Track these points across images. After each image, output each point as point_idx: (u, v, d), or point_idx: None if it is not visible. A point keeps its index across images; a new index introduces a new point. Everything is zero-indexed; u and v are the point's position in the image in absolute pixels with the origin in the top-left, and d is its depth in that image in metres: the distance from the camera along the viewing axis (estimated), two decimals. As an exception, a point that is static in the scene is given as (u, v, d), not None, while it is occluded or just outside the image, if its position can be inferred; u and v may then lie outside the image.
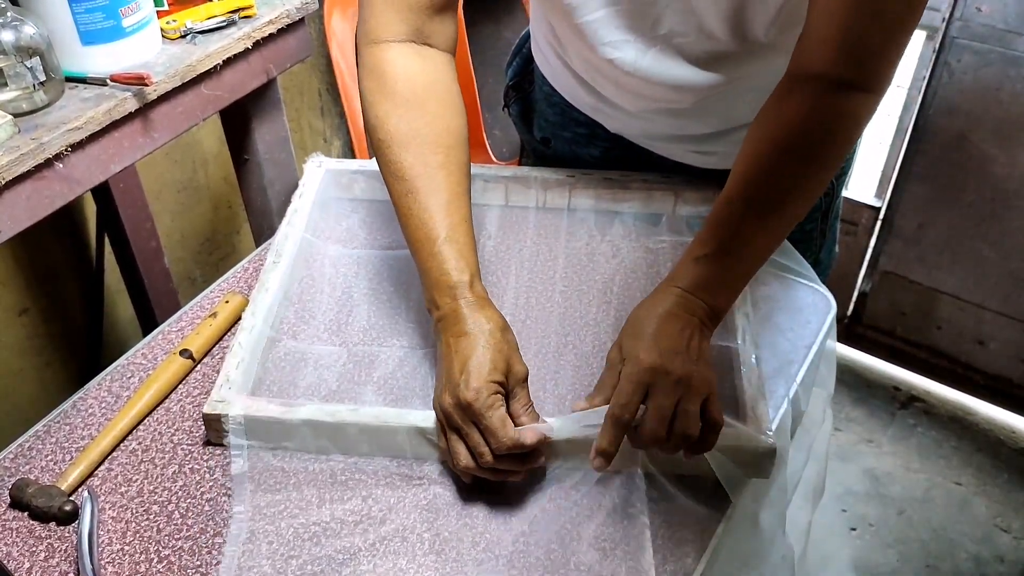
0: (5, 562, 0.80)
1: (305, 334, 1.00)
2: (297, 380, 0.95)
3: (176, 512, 0.84)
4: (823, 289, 1.06)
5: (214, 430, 0.88)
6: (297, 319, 1.02)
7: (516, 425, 0.81)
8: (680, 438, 0.79)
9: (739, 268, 0.87)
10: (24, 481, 0.85)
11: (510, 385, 0.83)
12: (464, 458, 0.81)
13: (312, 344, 0.99)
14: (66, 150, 1.09)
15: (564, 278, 1.07)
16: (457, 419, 0.80)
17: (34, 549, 0.81)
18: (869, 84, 0.84)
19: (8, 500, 0.85)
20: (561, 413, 0.88)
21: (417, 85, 0.92)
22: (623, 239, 1.11)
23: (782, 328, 1.02)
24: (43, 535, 0.83)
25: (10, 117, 1.05)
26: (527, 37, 1.20)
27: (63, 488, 0.85)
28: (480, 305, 0.85)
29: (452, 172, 0.90)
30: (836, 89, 0.82)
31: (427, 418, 0.86)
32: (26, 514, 0.84)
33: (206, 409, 0.87)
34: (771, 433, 0.83)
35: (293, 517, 0.83)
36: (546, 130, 1.21)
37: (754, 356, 0.91)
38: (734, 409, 0.88)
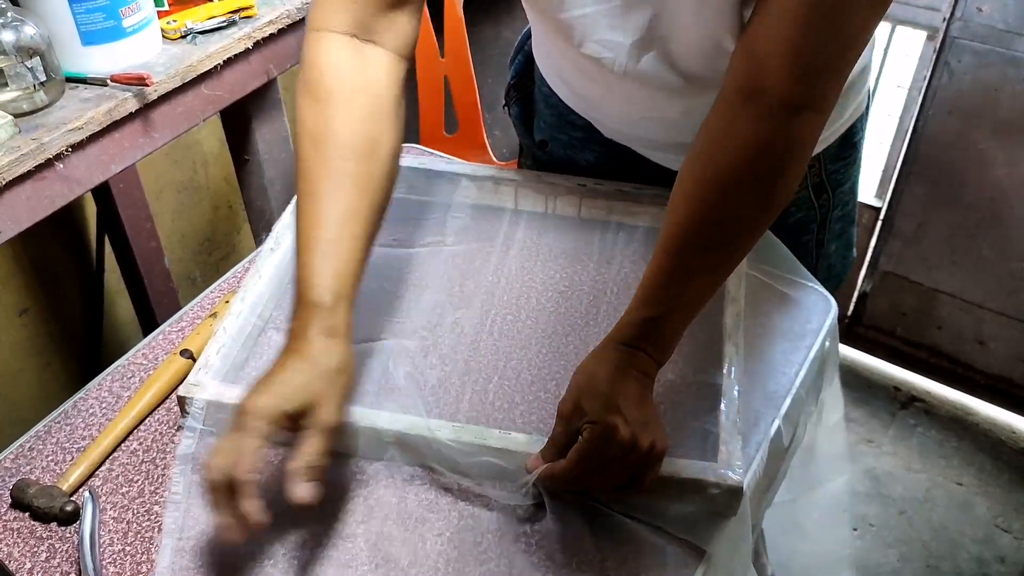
0: (7, 563, 0.80)
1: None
2: None
3: (194, 506, 0.83)
4: (822, 290, 1.06)
5: (186, 412, 0.88)
6: (286, 309, 1.02)
7: (291, 470, 0.72)
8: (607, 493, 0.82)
9: (687, 318, 0.84)
10: (25, 482, 0.85)
11: (307, 425, 0.74)
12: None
13: None
14: (66, 150, 1.09)
15: (561, 287, 1.06)
16: (234, 420, 0.73)
17: (35, 550, 0.81)
18: (820, 104, 0.79)
19: (9, 501, 0.85)
20: (543, 422, 0.89)
21: (346, 84, 0.84)
22: (628, 253, 1.10)
23: (782, 331, 1.01)
24: (44, 535, 0.82)
25: (11, 117, 1.05)
26: (529, 34, 1.18)
27: (64, 489, 0.85)
28: (330, 334, 0.77)
29: (359, 183, 0.82)
30: (788, 110, 0.78)
31: (392, 420, 0.85)
32: (27, 515, 0.84)
33: (180, 391, 0.87)
34: (739, 471, 0.82)
35: None
36: (544, 132, 1.19)
37: (736, 390, 0.89)
38: (710, 444, 0.87)
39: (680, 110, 0.97)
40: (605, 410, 0.77)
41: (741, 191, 0.80)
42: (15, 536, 0.82)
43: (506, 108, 1.27)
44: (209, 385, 0.87)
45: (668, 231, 0.83)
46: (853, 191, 1.15)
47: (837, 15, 0.74)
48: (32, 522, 0.84)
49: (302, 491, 0.71)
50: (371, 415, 0.86)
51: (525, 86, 1.21)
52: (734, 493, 0.81)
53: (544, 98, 1.16)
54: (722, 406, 0.88)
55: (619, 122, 1.06)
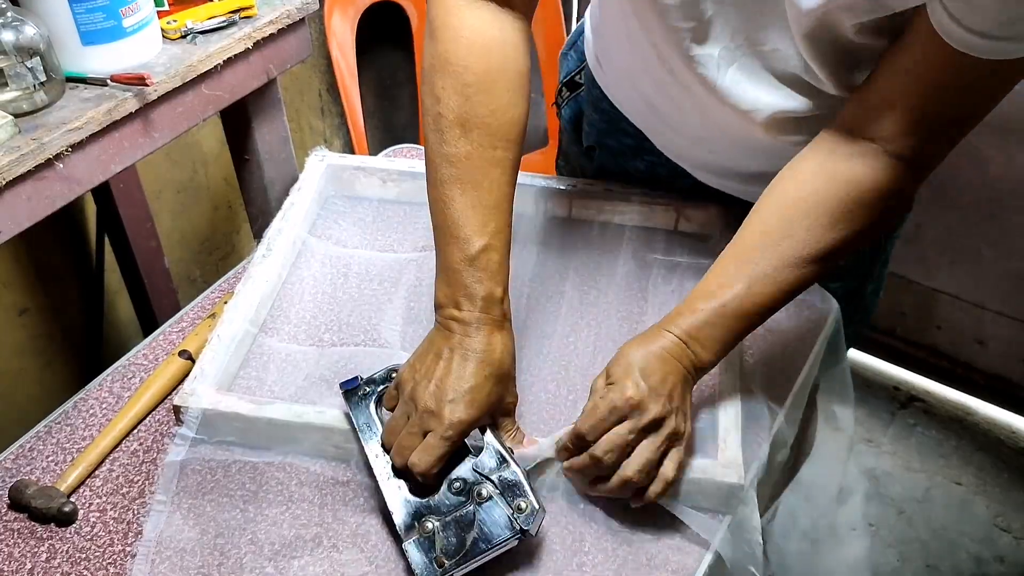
0: (6, 564, 0.80)
1: (284, 332, 1.00)
2: (267, 378, 0.94)
3: (178, 512, 0.83)
4: (822, 290, 1.06)
5: (181, 420, 0.88)
6: (278, 316, 1.02)
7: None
8: (621, 479, 0.78)
9: (743, 329, 0.83)
10: (23, 482, 0.85)
11: (497, 416, 0.83)
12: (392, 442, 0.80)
13: (288, 343, 0.99)
14: (66, 150, 1.08)
15: (554, 288, 1.06)
16: (414, 417, 0.78)
17: (36, 550, 0.81)
18: (926, 163, 0.80)
19: (8, 501, 0.85)
20: (543, 423, 0.89)
21: (491, 62, 0.82)
22: (619, 252, 1.10)
23: (783, 331, 1.01)
24: (44, 536, 0.82)
25: (11, 117, 1.05)
26: (582, 30, 1.12)
27: (62, 489, 0.85)
28: (499, 326, 0.81)
29: (506, 171, 0.83)
30: (898, 164, 0.78)
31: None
32: (25, 515, 0.84)
33: (176, 400, 0.87)
34: (739, 469, 0.82)
35: (218, 512, 0.83)
36: (591, 137, 1.15)
37: (736, 387, 0.90)
38: (710, 442, 0.87)
39: (744, 143, 0.94)
40: (624, 375, 0.79)
41: (826, 228, 0.79)
42: (15, 536, 0.82)
43: (555, 107, 1.21)
44: (204, 394, 0.87)
45: (740, 247, 0.82)
46: (897, 236, 1.14)
47: (968, 86, 0.73)
48: (31, 522, 0.84)
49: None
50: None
51: (578, 85, 1.15)
52: (734, 492, 0.81)
53: (594, 102, 1.11)
54: (722, 404, 0.88)
55: (679, 137, 1.02)
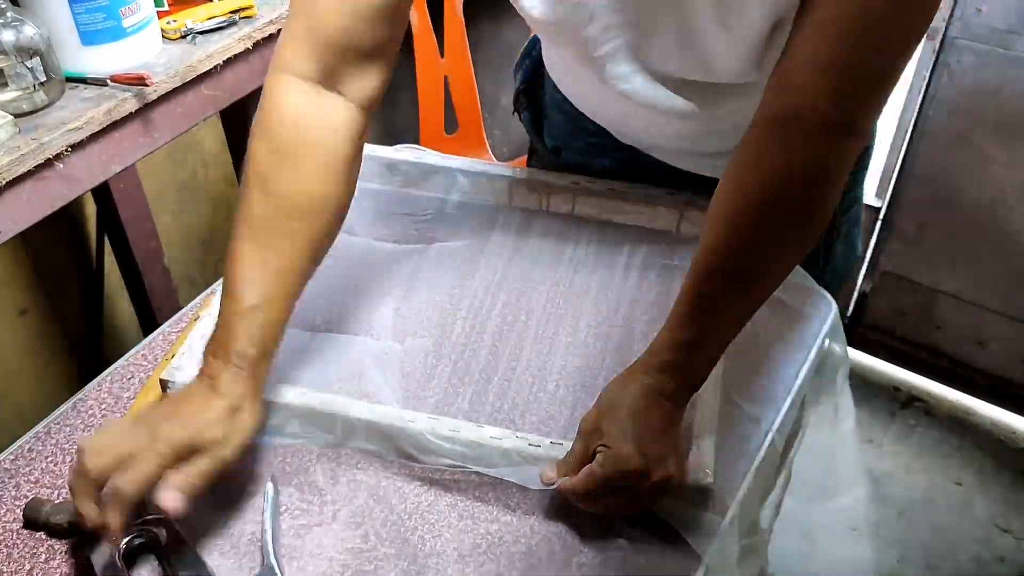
0: (5, 565, 0.79)
1: None
2: None
3: None
4: (821, 290, 1.06)
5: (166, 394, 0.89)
6: None
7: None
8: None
9: (720, 345, 0.83)
10: (37, 500, 0.83)
11: (206, 454, 0.74)
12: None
13: None
14: (66, 150, 1.09)
15: (555, 285, 1.06)
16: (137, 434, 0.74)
17: (35, 551, 0.81)
18: (858, 127, 0.78)
19: (21, 521, 0.83)
20: (543, 423, 0.89)
21: (302, 137, 0.83)
22: (620, 252, 1.10)
23: (780, 332, 1.01)
24: (43, 536, 0.82)
25: (11, 117, 1.05)
26: (536, 40, 1.15)
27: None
28: (248, 378, 0.78)
29: (298, 244, 0.83)
30: (824, 133, 0.76)
31: (362, 409, 0.86)
32: (43, 533, 0.82)
33: (163, 375, 0.88)
34: (708, 472, 0.81)
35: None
36: (557, 139, 1.17)
37: (717, 389, 0.89)
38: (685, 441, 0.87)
39: (701, 127, 0.96)
40: (622, 438, 0.77)
41: (775, 219, 0.79)
42: (13, 537, 0.82)
43: (516, 113, 1.24)
44: (191, 369, 0.87)
45: (702, 254, 0.82)
46: (859, 194, 1.15)
47: (876, 32, 0.72)
48: (49, 539, 0.82)
49: (168, 499, 0.71)
50: (373, 408, 0.86)
51: (534, 92, 1.18)
52: (704, 492, 0.81)
53: (556, 104, 1.13)
54: (699, 405, 0.88)
55: (637, 133, 1.05)
